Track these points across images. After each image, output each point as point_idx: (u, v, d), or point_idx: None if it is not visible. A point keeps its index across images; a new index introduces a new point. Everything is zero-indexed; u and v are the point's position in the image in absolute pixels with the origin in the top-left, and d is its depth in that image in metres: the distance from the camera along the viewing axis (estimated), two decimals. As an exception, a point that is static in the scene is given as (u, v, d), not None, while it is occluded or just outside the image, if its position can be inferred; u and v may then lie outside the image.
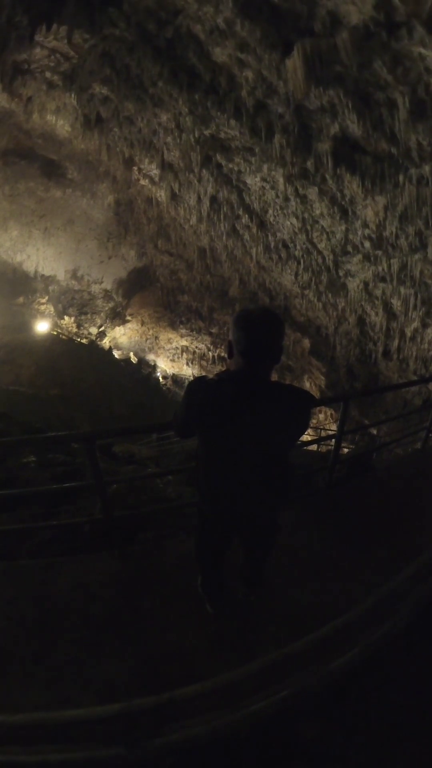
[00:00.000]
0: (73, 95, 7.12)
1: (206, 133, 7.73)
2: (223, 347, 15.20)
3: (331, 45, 4.44)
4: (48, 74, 6.84)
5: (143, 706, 1.30)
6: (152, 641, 2.05)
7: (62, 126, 8.76)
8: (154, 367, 17.41)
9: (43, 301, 15.35)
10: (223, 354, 15.22)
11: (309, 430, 11.98)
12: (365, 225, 7.91)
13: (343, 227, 8.37)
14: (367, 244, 8.32)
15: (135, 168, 9.97)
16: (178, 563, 2.51)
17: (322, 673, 1.50)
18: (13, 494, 3.49)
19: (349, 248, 8.85)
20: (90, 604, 2.27)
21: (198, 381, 1.55)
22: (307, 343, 13.55)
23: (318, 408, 13.40)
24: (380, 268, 8.58)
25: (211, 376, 1.58)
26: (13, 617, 2.22)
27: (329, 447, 9.15)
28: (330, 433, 10.15)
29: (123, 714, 1.28)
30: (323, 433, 11.80)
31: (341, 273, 9.71)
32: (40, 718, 1.38)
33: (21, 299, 14.87)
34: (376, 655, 1.59)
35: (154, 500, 3.80)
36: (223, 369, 1.62)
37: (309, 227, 9.15)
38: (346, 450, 8.57)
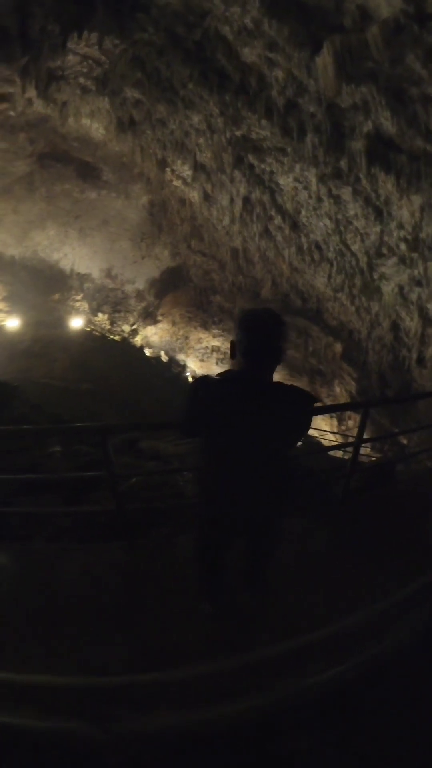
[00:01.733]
0: (106, 99, 7.28)
1: (237, 133, 7.67)
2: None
3: (362, 40, 4.27)
4: (81, 80, 7.03)
5: (106, 684, 1.30)
6: (148, 633, 2.06)
7: (97, 129, 8.98)
8: (184, 366, 17.53)
9: (78, 298, 15.83)
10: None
11: (338, 436, 11.62)
12: (401, 226, 7.59)
13: (378, 228, 8.07)
14: (402, 246, 7.98)
15: (168, 169, 10.06)
16: (185, 560, 2.51)
17: (302, 686, 1.44)
18: (29, 480, 3.61)
19: (384, 250, 8.52)
20: (94, 590, 2.32)
21: (202, 379, 1.55)
22: (338, 347, 13.21)
23: (347, 414, 13.01)
24: (416, 272, 8.20)
25: (214, 375, 1.59)
26: (22, 596, 2.31)
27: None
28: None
29: (86, 688, 1.27)
30: (351, 441, 11.42)
31: (375, 276, 9.38)
32: (3, 678, 1.39)
33: (57, 296, 15.39)
34: (367, 674, 1.51)
35: (172, 497, 3.83)
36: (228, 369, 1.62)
37: (342, 228, 8.90)
38: (373, 459, 8.27)
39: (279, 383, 1.52)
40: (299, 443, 1.76)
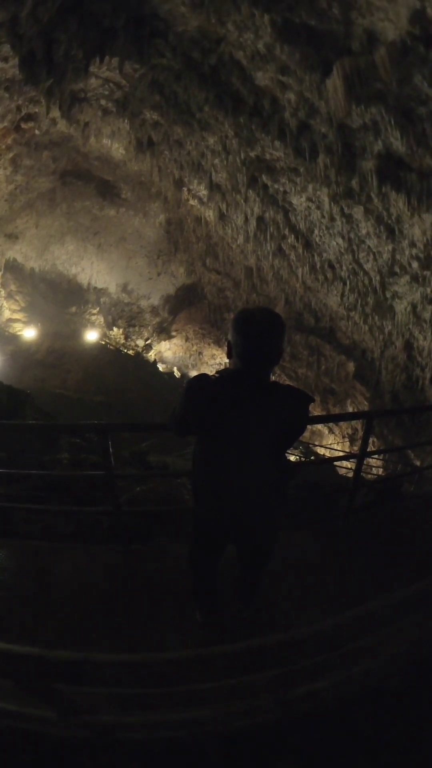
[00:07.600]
0: (126, 120, 7.61)
1: (252, 154, 7.87)
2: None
3: (370, 62, 4.38)
4: (103, 102, 7.40)
5: (60, 657, 1.29)
6: (135, 637, 2.05)
7: (117, 149, 9.37)
8: (197, 382, 17.60)
9: (95, 311, 16.20)
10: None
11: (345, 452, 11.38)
12: (413, 244, 7.58)
13: (390, 247, 8.08)
14: (414, 265, 7.96)
15: (185, 189, 10.35)
16: (180, 567, 2.53)
17: (279, 700, 1.39)
18: (35, 482, 3.75)
19: (397, 269, 8.50)
20: (85, 591, 2.34)
21: (198, 378, 1.55)
22: (351, 366, 13.10)
23: (359, 436, 12.79)
24: (429, 290, 8.14)
25: (211, 374, 1.58)
26: (14, 589, 2.35)
27: (368, 473, 8.65)
28: (373, 458, 9.55)
29: (40, 658, 1.26)
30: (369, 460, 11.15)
31: (388, 295, 9.33)
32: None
33: (74, 309, 15.81)
34: (352, 694, 1.45)
35: (172, 504, 3.85)
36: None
37: (355, 247, 8.94)
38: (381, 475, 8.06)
39: (275, 383, 1.51)
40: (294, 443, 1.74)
